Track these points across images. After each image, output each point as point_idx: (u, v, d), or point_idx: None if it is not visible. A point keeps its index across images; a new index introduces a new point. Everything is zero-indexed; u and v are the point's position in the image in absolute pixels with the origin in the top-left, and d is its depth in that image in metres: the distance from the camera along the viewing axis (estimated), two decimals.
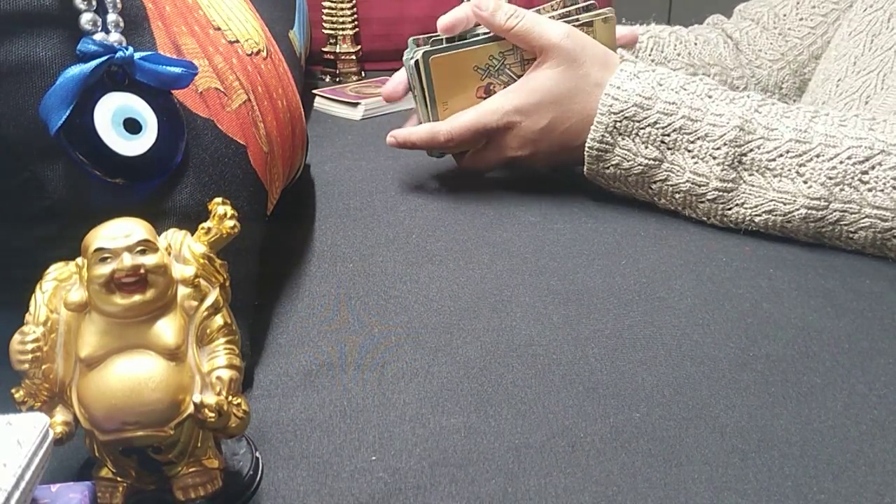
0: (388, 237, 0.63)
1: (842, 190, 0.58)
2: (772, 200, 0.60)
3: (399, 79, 0.72)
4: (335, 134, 0.90)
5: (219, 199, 0.37)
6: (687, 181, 0.62)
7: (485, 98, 0.69)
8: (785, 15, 0.89)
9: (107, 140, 0.41)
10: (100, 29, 0.41)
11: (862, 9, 0.76)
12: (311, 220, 0.66)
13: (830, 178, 0.58)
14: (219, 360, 0.35)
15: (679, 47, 0.88)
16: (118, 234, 0.33)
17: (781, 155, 0.59)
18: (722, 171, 0.61)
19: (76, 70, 0.40)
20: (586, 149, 0.65)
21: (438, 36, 0.68)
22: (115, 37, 0.42)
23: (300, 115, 0.62)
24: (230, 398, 0.34)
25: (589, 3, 0.70)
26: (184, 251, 0.36)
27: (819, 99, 0.77)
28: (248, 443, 0.40)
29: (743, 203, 0.61)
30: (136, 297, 0.33)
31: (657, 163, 0.63)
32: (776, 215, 0.60)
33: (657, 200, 0.66)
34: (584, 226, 0.64)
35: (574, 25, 0.67)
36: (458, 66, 0.68)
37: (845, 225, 0.59)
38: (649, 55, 0.86)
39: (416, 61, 0.67)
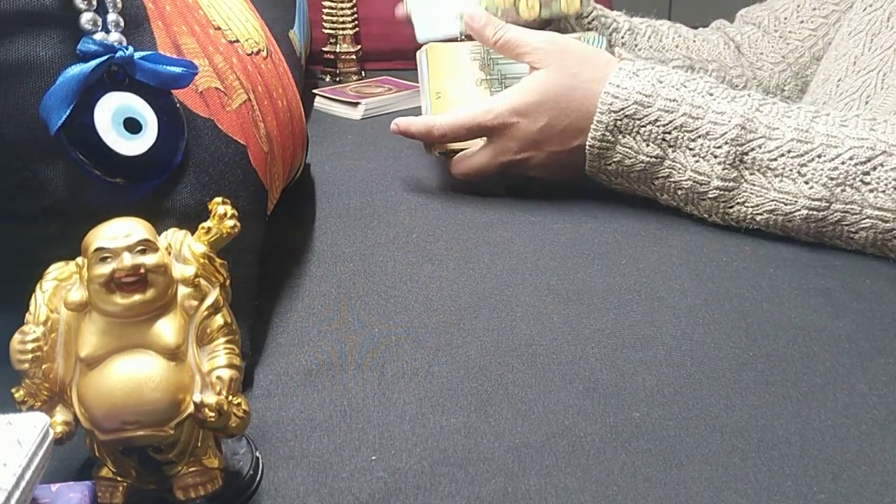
0: (388, 237, 0.63)
1: (843, 191, 0.58)
2: (773, 200, 0.60)
3: None
4: (335, 134, 0.90)
5: (219, 199, 0.37)
6: (688, 179, 0.62)
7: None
8: (786, 18, 0.89)
9: (107, 140, 0.41)
10: (100, 28, 0.41)
11: (861, 8, 0.76)
12: (311, 220, 0.66)
13: (832, 179, 0.58)
14: (219, 360, 0.35)
15: (678, 40, 0.88)
16: (118, 233, 0.33)
17: (783, 154, 0.59)
18: (723, 170, 0.60)
19: (76, 70, 0.40)
20: (587, 147, 0.64)
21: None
22: (115, 36, 0.42)
23: (300, 114, 0.62)
24: (230, 398, 0.34)
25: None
26: (184, 251, 0.36)
27: (819, 99, 0.76)
28: (248, 442, 0.40)
29: (744, 202, 0.61)
30: (136, 297, 0.33)
31: (659, 160, 0.63)
32: (777, 215, 0.60)
33: (659, 196, 0.66)
34: (584, 226, 0.64)
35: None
36: (454, 54, 0.73)
37: (846, 225, 0.58)
38: (648, 41, 0.86)
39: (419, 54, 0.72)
